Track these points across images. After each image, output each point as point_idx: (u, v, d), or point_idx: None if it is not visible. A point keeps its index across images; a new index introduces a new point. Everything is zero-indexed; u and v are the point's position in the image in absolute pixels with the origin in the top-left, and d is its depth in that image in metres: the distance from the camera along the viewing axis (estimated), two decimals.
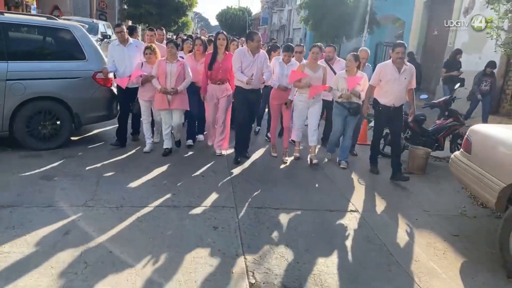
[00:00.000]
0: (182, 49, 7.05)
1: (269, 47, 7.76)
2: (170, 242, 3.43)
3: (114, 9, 26.28)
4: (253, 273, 3.11)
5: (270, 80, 5.91)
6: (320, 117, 6.14)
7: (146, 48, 5.86)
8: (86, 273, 2.92)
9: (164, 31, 8.16)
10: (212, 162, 5.70)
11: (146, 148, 5.97)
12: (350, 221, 4.17)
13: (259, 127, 7.72)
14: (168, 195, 4.40)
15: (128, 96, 5.98)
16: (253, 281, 3.01)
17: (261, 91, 6.01)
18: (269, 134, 6.92)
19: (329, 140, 6.40)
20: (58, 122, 5.62)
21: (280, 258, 3.34)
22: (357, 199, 4.82)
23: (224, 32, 5.98)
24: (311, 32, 19.85)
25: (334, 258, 3.40)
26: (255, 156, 6.24)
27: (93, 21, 16.05)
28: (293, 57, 6.08)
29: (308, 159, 6.00)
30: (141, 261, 3.11)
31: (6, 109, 5.24)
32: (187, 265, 3.12)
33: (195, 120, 6.68)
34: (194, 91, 6.10)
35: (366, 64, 6.41)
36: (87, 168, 5.03)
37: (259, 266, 3.20)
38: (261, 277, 3.06)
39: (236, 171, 5.45)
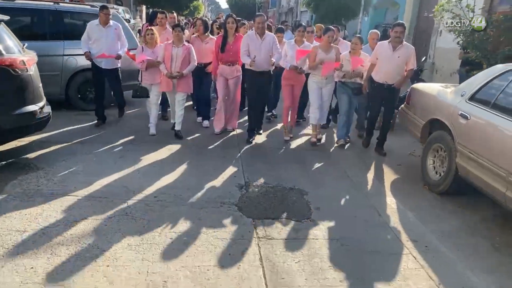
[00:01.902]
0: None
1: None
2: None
3: None
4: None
5: (282, 61, 5.94)
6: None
7: (147, 30, 6.00)
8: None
9: (175, 14, 8.71)
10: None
11: (151, 131, 5.99)
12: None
13: (274, 112, 7.40)
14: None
15: (102, 75, 6.11)
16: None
17: (271, 73, 5.96)
18: (273, 111, 7.27)
19: (338, 125, 6.36)
20: None
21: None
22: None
23: (233, 15, 6.26)
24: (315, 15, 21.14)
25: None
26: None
27: (113, 7, 17.51)
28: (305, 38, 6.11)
29: (316, 132, 6.16)
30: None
31: (63, 78, 6.71)
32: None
33: (202, 103, 6.79)
34: (199, 71, 6.25)
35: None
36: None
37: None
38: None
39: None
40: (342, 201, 4.28)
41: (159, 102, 6.14)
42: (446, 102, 4.67)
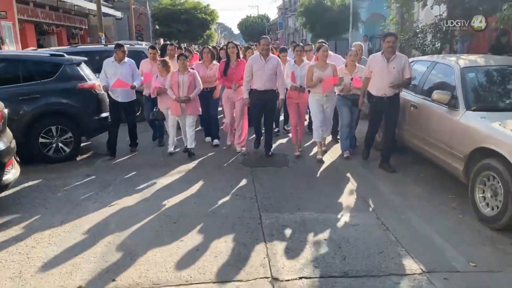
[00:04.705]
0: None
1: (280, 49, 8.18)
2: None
3: (149, 30, 30.44)
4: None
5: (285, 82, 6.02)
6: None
7: (159, 61, 6.41)
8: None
9: (173, 46, 8.49)
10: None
11: (170, 149, 6.38)
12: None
13: (277, 128, 7.56)
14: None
15: (118, 108, 6.36)
16: None
17: (276, 91, 5.96)
18: (286, 127, 7.60)
19: (340, 137, 6.26)
20: None
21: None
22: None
23: (234, 41, 6.70)
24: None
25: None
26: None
27: (137, 43, 20.36)
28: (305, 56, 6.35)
29: (321, 149, 6.10)
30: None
31: None
32: None
33: (208, 122, 7.05)
34: (204, 95, 6.55)
35: (362, 56, 6.63)
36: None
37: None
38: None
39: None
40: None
41: (175, 125, 6.37)
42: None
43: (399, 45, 8.75)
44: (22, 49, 13.17)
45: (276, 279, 3.07)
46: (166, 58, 6.68)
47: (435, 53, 8.50)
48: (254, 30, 52.53)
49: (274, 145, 6.65)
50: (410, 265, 3.25)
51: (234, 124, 6.51)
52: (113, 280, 3.11)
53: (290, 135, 6.84)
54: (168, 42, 8.73)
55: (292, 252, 3.45)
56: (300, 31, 39.41)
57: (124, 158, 6.43)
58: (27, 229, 3.97)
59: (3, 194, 4.61)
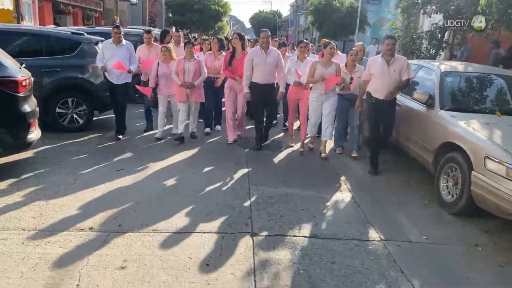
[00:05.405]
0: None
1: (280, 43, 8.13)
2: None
3: (162, 17, 30.88)
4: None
5: (288, 77, 6.19)
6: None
7: (162, 47, 6.40)
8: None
9: (181, 33, 9.21)
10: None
11: (158, 135, 6.51)
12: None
13: (275, 121, 7.65)
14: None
15: (115, 90, 6.41)
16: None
17: (275, 85, 6.01)
18: (286, 123, 7.30)
19: (334, 135, 6.33)
20: None
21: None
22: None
23: (240, 33, 6.62)
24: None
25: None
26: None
27: (150, 29, 20.89)
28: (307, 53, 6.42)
29: (320, 151, 6.02)
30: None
31: None
32: None
33: (211, 111, 7.14)
34: (210, 85, 6.76)
35: (364, 57, 6.62)
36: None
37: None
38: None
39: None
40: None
41: (165, 110, 6.55)
42: None
43: (398, 50, 9.35)
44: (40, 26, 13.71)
45: (255, 234, 3.64)
46: (170, 45, 6.74)
47: (430, 59, 9.03)
48: (266, 25, 52.83)
49: (272, 138, 6.96)
50: (372, 234, 3.81)
51: (234, 116, 6.53)
52: (119, 225, 3.69)
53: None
54: (168, 29, 8.98)
55: (272, 216, 4.02)
56: (310, 30, 39.84)
57: (135, 132, 6.94)
58: (46, 183, 4.55)
59: (26, 153, 5.21)
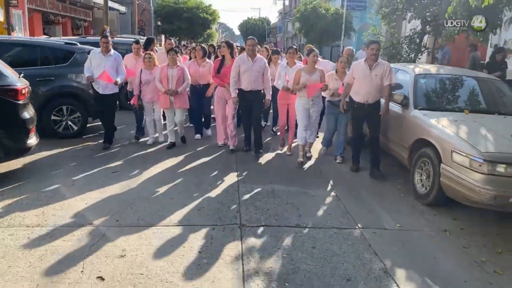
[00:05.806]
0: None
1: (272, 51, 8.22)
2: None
3: (151, 26, 31.36)
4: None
5: (275, 82, 6.34)
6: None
7: (146, 54, 6.48)
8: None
9: (172, 40, 8.83)
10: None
11: (149, 141, 6.65)
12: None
13: (265, 123, 7.90)
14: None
15: (101, 101, 6.38)
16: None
17: (262, 92, 6.08)
18: (274, 129, 7.59)
19: (323, 137, 6.61)
20: None
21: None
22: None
23: (229, 41, 6.79)
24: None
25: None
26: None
27: (140, 38, 21.24)
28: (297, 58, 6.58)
29: (304, 152, 6.09)
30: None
31: None
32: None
33: (200, 118, 7.23)
34: (197, 92, 6.88)
35: (353, 62, 6.28)
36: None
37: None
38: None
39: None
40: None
41: (151, 117, 6.65)
42: None
43: (380, 54, 9.68)
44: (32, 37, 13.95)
45: (243, 225, 3.97)
46: (160, 52, 6.96)
47: (409, 62, 9.49)
48: (255, 32, 53.44)
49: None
50: (350, 223, 4.16)
51: (225, 122, 6.56)
52: (117, 220, 3.99)
53: (279, 133, 7.22)
54: (152, 37, 8.83)
55: (259, 209, 4.35)
56: (298, 36, 40.45)
57: (128, 139, 7.25)
58: (45, 185, 4.81)
59: (25, 159, 5.48)
